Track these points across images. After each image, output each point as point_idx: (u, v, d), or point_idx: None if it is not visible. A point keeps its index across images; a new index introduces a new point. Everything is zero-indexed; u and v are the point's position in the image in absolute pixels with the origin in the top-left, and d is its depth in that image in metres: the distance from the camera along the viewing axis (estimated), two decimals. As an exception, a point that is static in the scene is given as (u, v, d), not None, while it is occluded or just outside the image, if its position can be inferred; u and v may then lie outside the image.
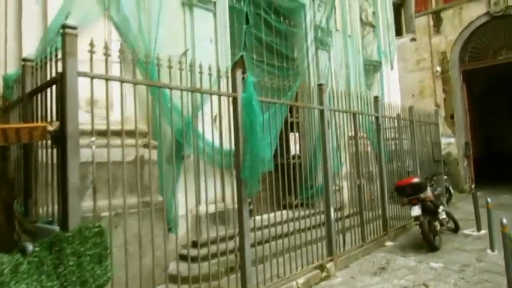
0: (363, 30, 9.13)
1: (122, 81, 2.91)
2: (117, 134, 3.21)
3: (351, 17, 8.40)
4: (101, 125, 3.19)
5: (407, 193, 5.17)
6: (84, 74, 2.62)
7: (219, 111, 3.80)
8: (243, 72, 3.88)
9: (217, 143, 3.88)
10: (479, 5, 10.35)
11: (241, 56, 5.61)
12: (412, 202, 5.10)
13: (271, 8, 6.38)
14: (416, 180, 5.19)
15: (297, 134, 6.41)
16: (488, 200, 4.99)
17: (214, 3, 5.27)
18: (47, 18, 3.92)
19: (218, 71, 3.54)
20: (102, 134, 3.17)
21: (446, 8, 10.91)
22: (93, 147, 2.63)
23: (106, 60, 2.85)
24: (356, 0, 8.77)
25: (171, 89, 3.28)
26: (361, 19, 9.07)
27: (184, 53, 4.87)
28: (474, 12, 10.43)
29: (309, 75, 6.86)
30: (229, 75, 3.61)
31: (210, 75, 3.44)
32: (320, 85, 4.71)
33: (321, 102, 4.66)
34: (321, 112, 4.67)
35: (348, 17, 8.24)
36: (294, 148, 6.41)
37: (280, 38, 6.64)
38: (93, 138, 2.65)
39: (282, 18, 6.64)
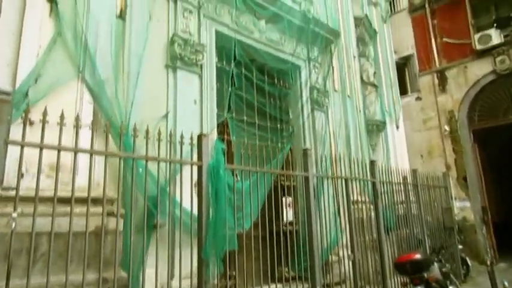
0: (364, 90, 8.95)
1: (59, 150, 2.61)
2: (80, 201, 3.02)
3: (351, 77, 8.26)
4: (63, 191, 2.98)
5: (409, 271, 4.54)
6: (14, 142, 2.35)
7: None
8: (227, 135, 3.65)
9: (195, 210, 3.52)
10: (484, 63, 10.17)
11: (230, 119, 5.39)
12: (414, 282, 4.46)
13: (263, 70, 6.26)
14: (418, 256, 4.57)
15: (290, 199, 5.99)
16: (506, 284, 4.28)
17: (201, 65, 5.15)
18: (16, 81, 3.80)
19: (181, 137, 3.25)
20: (63, 201, 2.96)
21: (451, 67, 10.77)
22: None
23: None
24: (355, 60, 8.69)
25: (119, 157, 2.98)
26: (362, 79, 8.94)
27: (165, 116, 4.68)
28: (479, 71, 10.24)
29: (304, 137, 6.56)
30: (193, 142, 3.30)
31: (171, 143, 3.14)
32: (305, 150, 4.36)
33: (305, 169, 4.28)
34: (306, 179, 4.27)
35: (347, 77, 8.10)
36: (288, 214, 5.95)
37: (273, 98, 6.45)
38: (14, 214, 2.31)
39: (275, 79, 6.51)
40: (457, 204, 9.87)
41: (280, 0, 6.45)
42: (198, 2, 5.26)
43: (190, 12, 5.13)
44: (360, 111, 8.34)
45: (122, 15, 4.48)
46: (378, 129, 8.92)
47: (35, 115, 3.35)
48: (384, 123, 9.11)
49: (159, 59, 4.78)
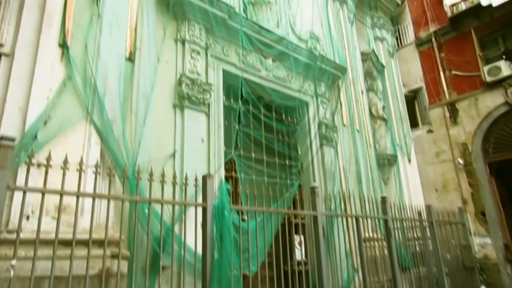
0: (373, 124, 8.92)
1: (61, 194, 2.60)
2: (84, 243, 3.04)
3: (359, 111, 8.25)
4: (69, 234, 2.98)
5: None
6: (16, 188, 2.35)
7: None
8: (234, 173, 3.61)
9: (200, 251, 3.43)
10: (495, 95, 10.07)
11: (237, 156, 5.37)
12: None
13: (270, 106, 6.31)
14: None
15: (302, 237, 5.84)
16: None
17: (208, 104, 5.21)
18: (26, 124, 3.87)
19: (186, 179, 3.22)
20: (67, 243, 2.94)
21: (461, 99, 10.69)
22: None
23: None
24: (364, 94, 8.71)
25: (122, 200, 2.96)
26: (371, 113, 8.93)
27: (172, 155, 4.69)
28: (491, 103, 10.12)
29: (313, 174, 6.47)
30: (198, 183, 3.27)
31: (175, 184, 3.11)
32: (312, 188, 4.28)
33: (314, 208, 4.18)
34: (315, 218, 4.16)
35: (355, 112, 8.09)
36: (298, 253, 5.78)
37: (281, 135, 6.45)
38: (14, 261, 2.27)
39: (282, 115, 6.53)
40: (476, 241, 9.47)
41: (286, 38, 6.59)
42: (205, 43, 5.40)
43: (198, 53, 5.26)
44: (370, 145, 8.26)
45: (131, 58, 4.60)
46: (389, 163, 8.79)
47: (43, 157, 3.40)
48: (395, 157, 8.98)
49: (166, 99, 4.86)
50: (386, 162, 8.68)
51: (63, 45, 4.01)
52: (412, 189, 9.19)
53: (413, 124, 11.15)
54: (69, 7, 4.11)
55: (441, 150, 10.78)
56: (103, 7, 4.36)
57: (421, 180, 10.00)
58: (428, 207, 6.57)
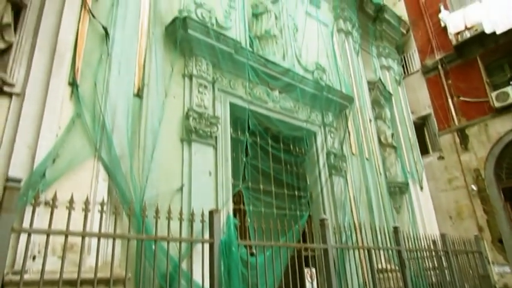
0: (383, 152, 8.84)
1: (66, 235, 2.57)
2: (90, 282, 2.88)
3: (368, 139, 8.20)
4: (73, 273, 2.85)
5: None
6: (21, 230, 2.34)
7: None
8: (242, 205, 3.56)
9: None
10: (505, 120, 9.96)
11: (245, 189, 5.33)
12: None
13: (278, 137, 6.31)
14: None
15: (313, 270, 5.67)
16: None
17: (216, 137, 5.23)
18: (34, 162, 3.91)
19: (192, 214, 3.18)
20: (72, 283, 2.86)
21: (471, 125, 10.58)
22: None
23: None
24: (372, 123, 8.68)
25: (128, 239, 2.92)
26: (380, 141, 8.87)
27: (180, 189, 4.67)
28: (501, 128, 10.00)
29: (323, 204, 6.37)
30: (205, 218, 3.23)
31: (181, 220, 3.07)
32: (322, 220, 4.19)
33: (324, 240, 4.08)
34: (325, 251, 4.05)
35: (364, 140, 8.04)
36: (310, 287, 5.61)
37: (289, 165, 6.41)
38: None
39: (290, 146, 6.51)
40: (495, 270, 9.10)
41: (292, 70, 6.67)
42: (212, 77, 5.49)
43: (205, 87, 5.33)
44: (380, 173, 8.15)
45: (139, 94, 4.68)
46: (400, 191, 8.64)
47: (51, 195, 3.41)
48: (407, 184, 8.84)
49: (174, 133, 4.89)
50: (397, 190, 8.54)
51: (73, 84, 4.11)
52: (425, 217, 8.98)
53: (424, 151, 11.02)
54: (80, 47, 4.23)
55: (453, 176, 10.59)
56: (112, 46, 4.49)
57: (434, 207, 9.78)
58: (443, 236, 6.37)
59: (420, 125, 11.71)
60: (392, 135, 9.36)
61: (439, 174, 10.84)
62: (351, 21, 9.21)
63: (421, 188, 9.61)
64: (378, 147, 8.56)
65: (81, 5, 4.43)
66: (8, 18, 4.03)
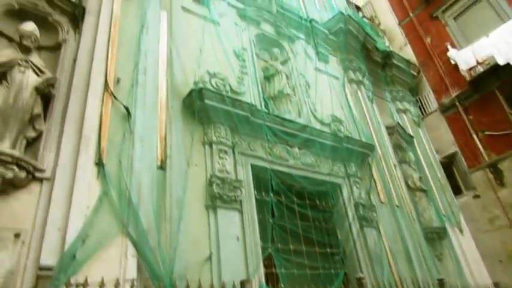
0: (413, 197, 8.54)
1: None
2: None
3: (395, 186, 7.98)
4: None
5: None
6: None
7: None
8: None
9: None
10: (537, 151, 9.59)
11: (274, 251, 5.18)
12: None
13: (302, 194, 6.23)
14: None
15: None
16: None
17: (240, 201, 5.21)
18: (65, 244, 3.94)
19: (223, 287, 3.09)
20: None
21: (502, 159, 10.18)
22: None
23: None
24: (397, 168, 8.51)
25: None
26: (408, 186, 8.61)
27: (208, 258, 4.58)
28: (535, 159, 9.60)
29: (358, 259, 6.08)
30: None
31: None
32: (359, 279, 3.98)
33: (364, 302, 3.85)
34: (367, 314, 3.81)
35: (391, 187, 7.82)
36: None
37: (318, 222, 6.25)
38: None
39: (316, 201, 6.40)
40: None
41: (309, 126, 6.76)
42: (232, 141, 5.60)
43: (226, 152, 5.43)
44: (413, 220, 7.82)
45: (162, 166, 4.80)
46: (439, 237, 8.20)
47: (82, 277, 3.41)
48: (444, 229, 8.41)
49: (199, 201, 4.91)
50: (435, 237, 8.10)
51: (99, 164, 4.26)
52: (471, 264, 8.39)
53: (457, 191, 10.58)
54: (104, 128, 4.45)
55: (494, 215, 10.00)
56: (134, 123, 4.69)
57: (479, 251, 9.14)
58: (496, 286, 5.89)
59: (448, 164, 11.37)
60: (420, 178, 9.11)
61: (478, 215, 10.27)
62: (360, 71, 9.42)
63: (461, 231, 9.11)
64: (407, 193, 8.30)
65: (104, 89, 4.72)
66: (38, 109, 4.34)
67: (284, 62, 7.57)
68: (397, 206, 7.58)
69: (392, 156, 8.61)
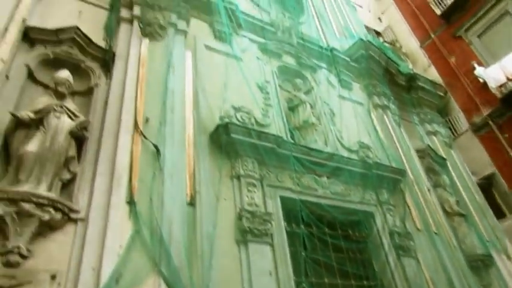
0: (451, 222, 8.14)
1: None
2: None
3: (431, 211, 7.64)
4: None
5: None
6: None
7: None
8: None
9: None
10: None
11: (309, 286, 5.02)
12: None
13: (334, 224, 6.07)
14: None
15: None
16: None
17: (271, 234, 5.13)
18: (99, 283, 3.94)
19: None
20: None
21: (545, 178, 9.66)
22: None
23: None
24: (431, 193, 8.18)
25: None
26: (445, 211, 8.24)
27: (242, 296, 4.49)
28: None
29: (397, 291, 5.79)
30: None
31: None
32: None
33: None
34: None
35: (427, 213, 7.50)
36: None
37: (352, 253, 6.04)
38: None
39: (349, 231, 6.21)
40: None
41: (336, 154, 6.68)
42: (259, 174, 5.60)
43: (254, 185, 5.42)
44: (454, 247, 7.41)
45: (191, 202, 4.83)
46: (485, 265, 7.70)
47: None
48: (490, 256, 7.91)
49: (229, 236, 4.88)
50: (480, 265, 7.62)
51: (131, 203, 4.34)
52: (523, 292, 7.81)
53: (499, 214, 9.99)
54: (135, 167, 4.56)
55: (543, 238, 9.37)
56: (163, 161, 4.78)
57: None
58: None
59: (486, 186, 10.84)
60: (457, 202, 8.73)
61: (525, 238, 9.65)
62: (385, 96, 9.31)
63: (509, 257, 8.54)
64: (445, 218, 7.93)
65: (134, 129, 4.88)
66: (72, 151, 4.51)
67: (307, 92, 7.61)
68: (435, 233, 7.24)
69: (425, 181, 8.32)
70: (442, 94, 11.62)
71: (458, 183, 9.33)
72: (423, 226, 7.19)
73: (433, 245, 6.98)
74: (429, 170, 9.00)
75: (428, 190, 8.15)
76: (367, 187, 6.84)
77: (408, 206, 7.31)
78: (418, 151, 9.06)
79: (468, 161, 10.81)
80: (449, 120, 12.07)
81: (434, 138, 10.22)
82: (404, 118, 9.74)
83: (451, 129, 11.67)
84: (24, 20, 5.11)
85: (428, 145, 9.59)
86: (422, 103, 10.72)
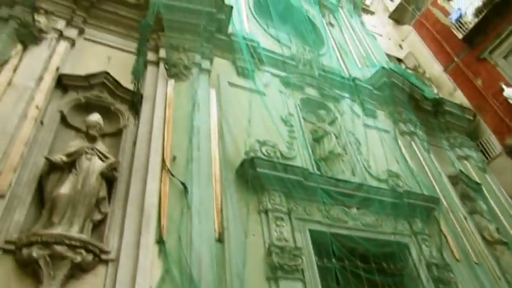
0: (493, 251, 7.68)
1: None
2: None
3: (470, 240, 7.25)
4: None
5: None
6: None
7: None
8: None
9: None
10: None
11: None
12: None
13: (367, 257, 5.86)
14: None
15: None
16: None
17: (302, 270, 4.99)
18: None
19: None
20: None
21: None
22: None
23: None
24: (468, 220, 7.79)
25: None
26: (484, 239, 7.81)
27: None
28: None
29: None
30: None
31: None
32: None
33: None
34: None
35: (465, 242, 7.13)
36: None
37: (388, 287, 5.77)
38: None
39: (383, 265, 5.96)
40: None
41: (365, 184, 6.54)
42: (287, 208, 5.53)
43: (282, 219, 5.34)
44: (498, 278, 6.95)
45: (220, 239, 4.79)
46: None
47: None
48: (540, 284, 7.36)
49: (259, 273, 4.78)
50: (530, 295, 7.10)
51: (160, 242, 4.35)
52: None
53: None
54: (163, 206, 4.60)
55: None
56: (191, 198, 4.81)
57: None
58: None
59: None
60: (497, 229, 8.27)
61: None
62: (411, 122, 9.16)
63: None
64: (485, 247, 7.50)
65: (161, 168, 4.96)
66: (103, 192, 4.62)
67: (332, 123, 7.59)
68: (476, 263, 6.84)
69: (460, 208, 7.97)
70: (470, 117, 11.31)
71: (496, 209, 8.88)
72: (462, 256, 6.82)
73: (474, 277, 6.58)
74: (464, 197, 8.64)
75: (465, 218, 7.78)
76: (399, 217, 6.61)
77: (444, 236, 6.98)
78: (450, 177, 8.75)
79: (504, 184, 10.31)
80: (481, 144, 11.67)
81: (466, 163, 9.88)
82: (433, 144, 9.50)
83: (483, 153, 11.26)
84: (57, 68, 5.43)
85: (461, 170, 9.26)
86: (451, 127, 10.46)
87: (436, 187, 7.87)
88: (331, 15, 11.47)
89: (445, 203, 7.63)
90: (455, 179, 8.81)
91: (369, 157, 7.42)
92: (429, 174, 8.13)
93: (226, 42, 7.40)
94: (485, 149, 11.63)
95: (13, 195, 4.12)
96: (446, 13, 13.21)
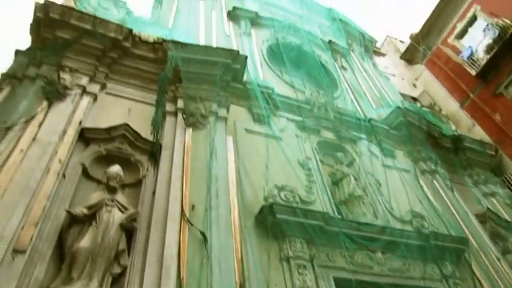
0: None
1: None
2: None
3: (505, 282, 6.75)
4: None
5: None
6: None
7: None
8: None
9: None
10: None
11: None
12: None
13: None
14: None
15: None
16: None
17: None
18: None
19: None
20: None
21: None
22: None
23: None
24: (501, 261, 7.35)
25: None
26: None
27: None
28: None
29: None
30: None
31: None
32: None
33: None
34: None
35: (500, 284, 6.67)
36: None
37: None
38: None
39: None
40: None
41: (388, 226, 6.34)
42: (309, 254, 5.37)
43: (304, 267, 5.18)
44: None
45: (242, 290, 4.64)
46: None
47: None
48: None
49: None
50: None
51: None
52: None
53: None
54: (183, 257, 4.52)
55: None
56: (211, 248, 4.73)
57: None
58: None
59: None
60: (536, 268, 7.76)
61: None
62: (431, 160, 8.97)
63: None
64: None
65: (181, 217, 4.93)
66: (122, 244, 4.59)
67: (350, 164, 7.52)
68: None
69: (492, 248, 7.56)
70: (492, 153, 11.03)
71: (532, 247, 8.39)
72: (500, 302, 6.39)
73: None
74: (494, 236, 8.23)
75: (498, 259, 7.36)
76: (427, 260, 6.32)
77: (478, 279, 6.60)
78: (477, 215, 8.38)
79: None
80: (506, 179, 11.29)
81: (493, 199, 9.51)
82: (456, 181, 9.22)
83: (510, 188, 10.87)
84: (80, 122, 5.63)
85: (488, 208, 8.90)
86: (473, 164, 10.19)
87: (464, 227, 7.55)
88: (343, 59, 11.70)
89: (474, 244, 7.27)
90: (483, 217, 8.44)
91: (391, 198, 7.23)
92: (455, 213, 7.83)
93: (242, 90, 7.59)
94: (511, 185, 11.24)
95: (34, 250, 4.13)
96: (457, 51, 13.34)
